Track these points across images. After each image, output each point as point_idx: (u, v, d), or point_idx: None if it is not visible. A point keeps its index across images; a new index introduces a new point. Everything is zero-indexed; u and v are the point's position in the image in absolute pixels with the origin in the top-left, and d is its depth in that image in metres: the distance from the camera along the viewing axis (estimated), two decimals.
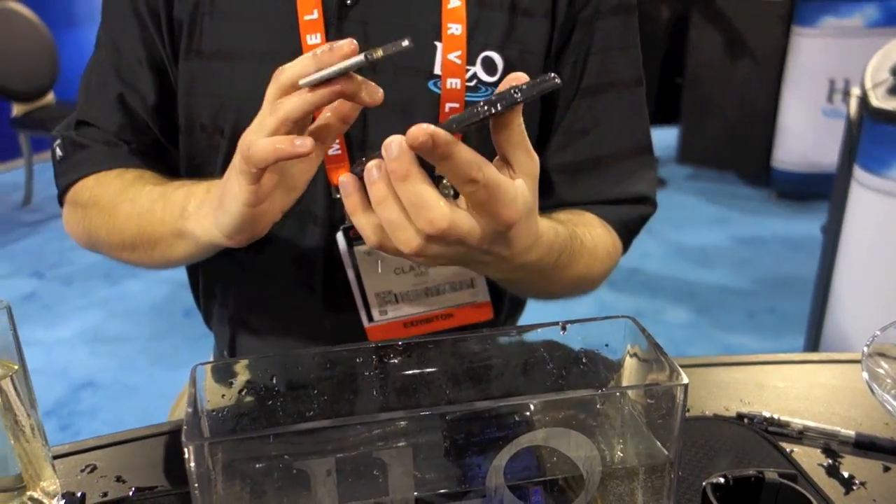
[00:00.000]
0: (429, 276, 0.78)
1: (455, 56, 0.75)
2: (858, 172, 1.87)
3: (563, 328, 0.59)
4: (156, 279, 3.26)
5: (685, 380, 0.51)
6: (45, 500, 0.68)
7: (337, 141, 0.75)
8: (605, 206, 0.84)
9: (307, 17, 0.74)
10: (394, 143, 0.52)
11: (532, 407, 0.51)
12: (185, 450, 0.45)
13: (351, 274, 0.78)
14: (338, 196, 0.76)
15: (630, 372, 0.58)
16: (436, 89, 0.76)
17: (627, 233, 0.86)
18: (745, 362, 0.89)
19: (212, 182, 0.71)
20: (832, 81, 3.82)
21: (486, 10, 0.76)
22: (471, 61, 0.76)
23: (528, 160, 0.56)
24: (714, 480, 0.57)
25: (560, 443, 0.51)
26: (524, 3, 0.77)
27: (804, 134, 3.96)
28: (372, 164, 0.54)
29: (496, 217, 0.55)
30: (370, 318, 0.80)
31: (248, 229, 0.64)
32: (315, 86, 0.57)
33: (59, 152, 0.86)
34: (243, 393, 0.56)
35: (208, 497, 0.46)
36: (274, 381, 0.57)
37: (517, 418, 0.50)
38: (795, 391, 0.82)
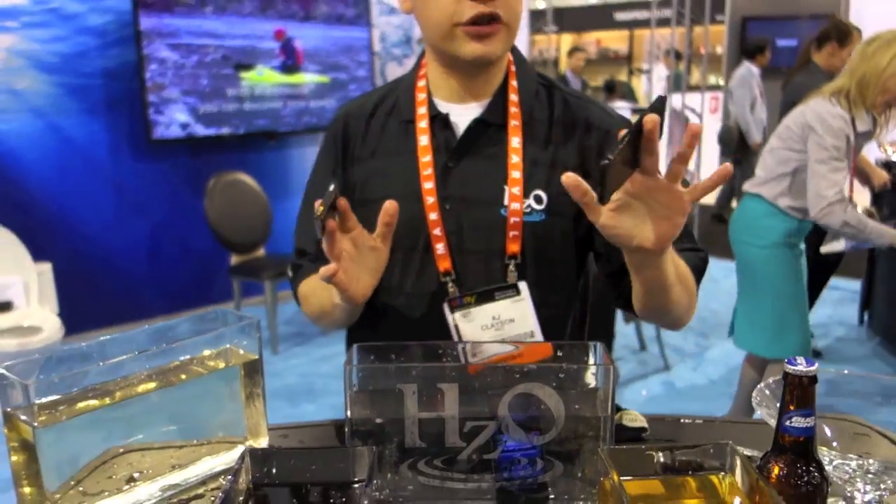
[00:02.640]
0: (504, 331, 1.23)
1: (516, 190, 1.24)
2: None
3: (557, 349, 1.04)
4: (327, 404, 3.82)
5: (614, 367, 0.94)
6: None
7: (442, 245, 1.24)
8: (681, 253, 1.22)
9: (425, 173, 1.26)
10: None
11: (525, 370, 0.95)
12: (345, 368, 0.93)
13: (453, 331, 1.24)
14: (444, 280, 1.24)
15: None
16: (504, 213, 1.25)
17: (698, 273, 1.25)
18: None
19: None
20: None
21: (538, 168, 1.26)
22: (526, 196, 1.25)
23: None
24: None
25: (540, 392, 0.94)
26: (561, 161, 1.26)
27: None
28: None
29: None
30: (465, 359, 1.25)
31: (346, 297, 1.10)
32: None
33: (290, 273, 1.41)
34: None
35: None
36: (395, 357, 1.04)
37: (516, 376, 0.95)
38: None
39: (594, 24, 11.85)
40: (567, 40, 12.28)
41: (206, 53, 4.70)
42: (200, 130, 4.74)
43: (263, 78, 5.01)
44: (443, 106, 1.29)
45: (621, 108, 7.04)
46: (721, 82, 8.62)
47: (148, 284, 4.79)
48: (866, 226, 2.68)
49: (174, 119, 4.62)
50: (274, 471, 0.88)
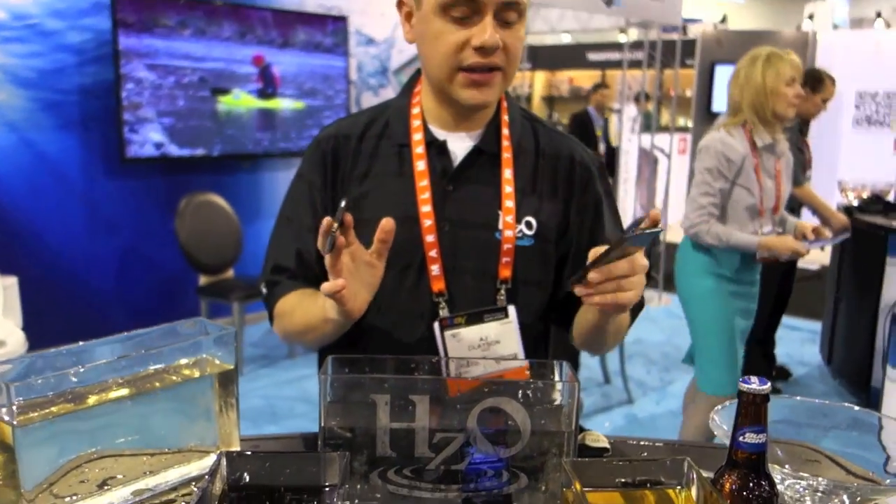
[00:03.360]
0: (489, 352, 1.27)
1: (510, 218, 1.30)
2: None
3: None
4: (290, 427, 3.81)
5: (575, 382, 0.98)
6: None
7: (437, 266, 1.28)
8: None
9: (423, 196, 1.30)
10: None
11: (494, 386, 0.99)
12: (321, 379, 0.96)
13: (441, 349, 1.27)
14: (436, 300, 1.28)
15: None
16: (498, 237, 1.30)
17: (636, 311, 1.36)
18: None
19: None
20: None
21: (527, 196, 1.32)
22: (518, 221, 1.31)
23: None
24: None
25: (507, 406, 0.98)
26: (548, 190, 1.34)
27: None
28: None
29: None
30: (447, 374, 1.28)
31: (344, 312, 1.12)
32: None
33: (264, 290, 1.41)
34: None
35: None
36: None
37: (486, 390, 0.99)
38: None
39: (567, 63, 12.07)
40: (540, 77, 12.50)
41: (183, 75, 4.73)
42: (174, 151, 4.76)
43: (240, 102, 5.04)
44: (439, 133, 1.34)
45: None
46: (689, 124, 8.82)
47: (115, 302, 4.76)
48: (730, 237, 2.84)
49: (149, 138, 4.63)
50: (248, 474, 0.90)
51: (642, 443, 1.35)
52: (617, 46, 10.69)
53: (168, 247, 4.65)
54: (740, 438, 0.86)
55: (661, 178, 6.84)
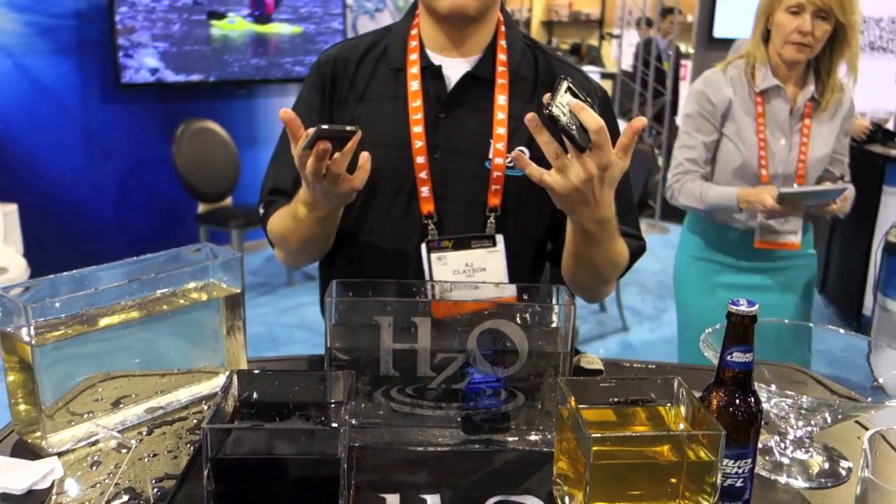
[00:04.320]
0: (474, 278, 1.30)
1: (501, 146, 1.31)
2: None
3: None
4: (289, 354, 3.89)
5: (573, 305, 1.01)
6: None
7: (427, 188, 1.30)
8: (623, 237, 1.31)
9: (415, 117, 1.31)
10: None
11: (493, 309, 1.03)
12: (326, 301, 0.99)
13: (427, 271, 1.31)
14: (425, 222, 1.30)
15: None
16: (488, 166, 1.31)
17: (632, 255, 1.34)
18: None
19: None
20: None
21: (520, 123, 1.30)
22: (509, 150, 1.31)
23: (622, 156, 1.05)
24: None
25: (506, 328, 1.02)
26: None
27: None
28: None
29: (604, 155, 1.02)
30: (435, 298, 1.31)
31: (333, 195, 1.13)
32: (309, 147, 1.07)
33: (261, 211, 1.43)
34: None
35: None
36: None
37: (486, 313, 1.02)
38: None
39: None
40: (539, 2, 12.26)
41: None
42: (170, 76, 4.71)
43: (234, 26, 4.97)
44: (435, 58, 1.34)
45: (590, 72, 7.10)
46: (691, 50, 8.69)
47: (114, 229, 4.79)
48: (707, 193, 2.23)
49: (144, 64, 4.58)
50: (257, 392, 0.94)
51: (635, 365, 1.40)
52: None
53: (166, 174, 4.65)
54: (728, 357, 0.90)
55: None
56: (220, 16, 4.88)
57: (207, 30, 4.84)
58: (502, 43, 1.36)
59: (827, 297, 4.80)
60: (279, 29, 5.20)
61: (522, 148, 1.12)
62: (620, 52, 7.46)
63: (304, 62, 5.29)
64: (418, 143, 1.30)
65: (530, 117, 1.01)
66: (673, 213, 5.54)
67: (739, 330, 0.88)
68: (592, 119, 0.99)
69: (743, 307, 0.88)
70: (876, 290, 3.49)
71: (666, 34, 6.40)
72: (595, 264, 1.25)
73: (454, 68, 1.34)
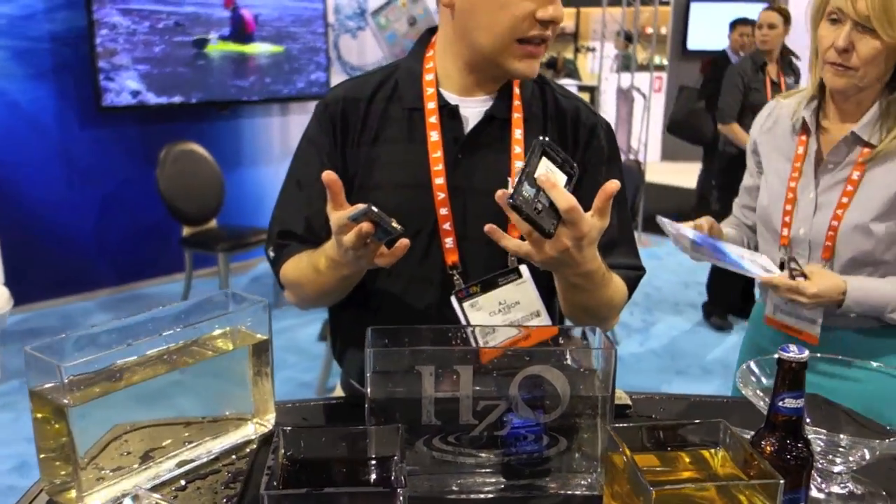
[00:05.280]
0: (511, 314, 1.29)
1: None
2: None
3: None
4: (277, 378, 3.86)
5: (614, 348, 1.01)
6: (266, 426, 1.20)
7: (451, 239, 1.29)
8: (619, 270, 1.33)
9: (436, 168, 1.30)
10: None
11: (534, 354, 1.02)
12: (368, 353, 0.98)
13: (463, 321, 1.29)
14: (451, 273, 1.29)
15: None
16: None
17: (630, 287, 1.37)
18: None
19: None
20: None
21: None
22: None
23: (599, 218, 1.06)
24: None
25: (548, 374, 1.01)
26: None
27: None
28: None
29: (578, 229, 1.03)
30: (477, 344, 1.29)
31: (358, 260, 1.13)
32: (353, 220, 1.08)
33: (271, 254, 1.41)
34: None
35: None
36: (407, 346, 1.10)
37: (527, 358, 1.01)
38: None
39: None
40: None
41: (158, 20, 4.61)
42: (152, 99, 4.67)
43: (216, 47, 4.94)
44: (451, 97, 1.33)
45: (567, 84, 7.14)
46: (665, 62, 8.80)
47: (97, 255, 4.72)
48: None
49: (125, 86, 4.54)
50: (304, 450, 0.92)
51: (657, 397, 1.40)
52: None
53: (150, 197, 4.60)
54: (779, 403, 0.89)
55: (638, 118, 6.84)
56: (201, 35, 4.85)
57: (189, 51, 4.80)
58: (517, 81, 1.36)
59: None
60: (260, 49, 5.18)
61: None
62: (599, 65, 7.51)
63: (287, 81, 5.27)
64: (441, 195, 1.29)
65: (499, 195, 1.02)
66: (654, 226, 5.55)
67: (791, 375, 0.88)
68: (563, 199, 1.01)
69: (793, 353, 0.88)
70: None
71: (739, 48, 5.13)
72: (589, 308, 1.29)
73: (470, 108, 1.34)
